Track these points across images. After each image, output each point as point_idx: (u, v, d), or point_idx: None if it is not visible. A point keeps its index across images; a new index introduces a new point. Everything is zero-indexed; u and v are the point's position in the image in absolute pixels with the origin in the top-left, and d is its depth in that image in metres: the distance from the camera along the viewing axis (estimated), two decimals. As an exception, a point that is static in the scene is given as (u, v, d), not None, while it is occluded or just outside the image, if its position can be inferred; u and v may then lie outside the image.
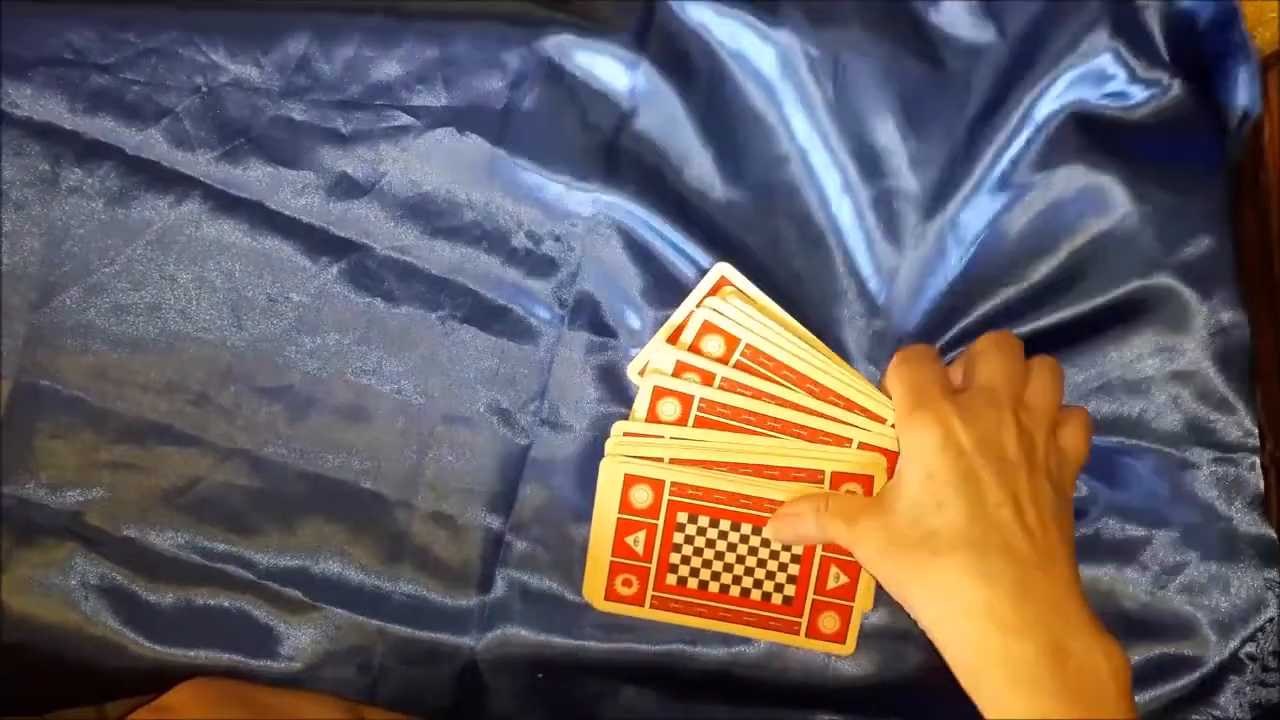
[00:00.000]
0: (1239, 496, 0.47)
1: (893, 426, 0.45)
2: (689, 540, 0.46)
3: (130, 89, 0.47)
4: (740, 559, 0.46)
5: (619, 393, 0.48)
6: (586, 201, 0.48)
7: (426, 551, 0.48)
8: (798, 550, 0.46)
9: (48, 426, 0.47)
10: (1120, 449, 0.48)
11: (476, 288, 0.48)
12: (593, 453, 0.48)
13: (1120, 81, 0.47)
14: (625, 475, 0.46)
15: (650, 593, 0.47)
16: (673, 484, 0.45)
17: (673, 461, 0.45)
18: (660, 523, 0.46)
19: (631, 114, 0.48)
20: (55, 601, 0.47)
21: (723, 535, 0.46)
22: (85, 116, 0.47)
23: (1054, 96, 0.47)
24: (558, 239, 0.48)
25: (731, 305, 0.46)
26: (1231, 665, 0.47)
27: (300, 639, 0.47)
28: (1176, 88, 0.47)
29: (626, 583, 0.47)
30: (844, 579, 0.46)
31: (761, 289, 0.47)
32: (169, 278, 0.48)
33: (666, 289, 0.48)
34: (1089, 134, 0.47)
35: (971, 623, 0.37)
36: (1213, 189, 0.47)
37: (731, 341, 0.46)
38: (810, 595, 0.46)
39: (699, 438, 0.46)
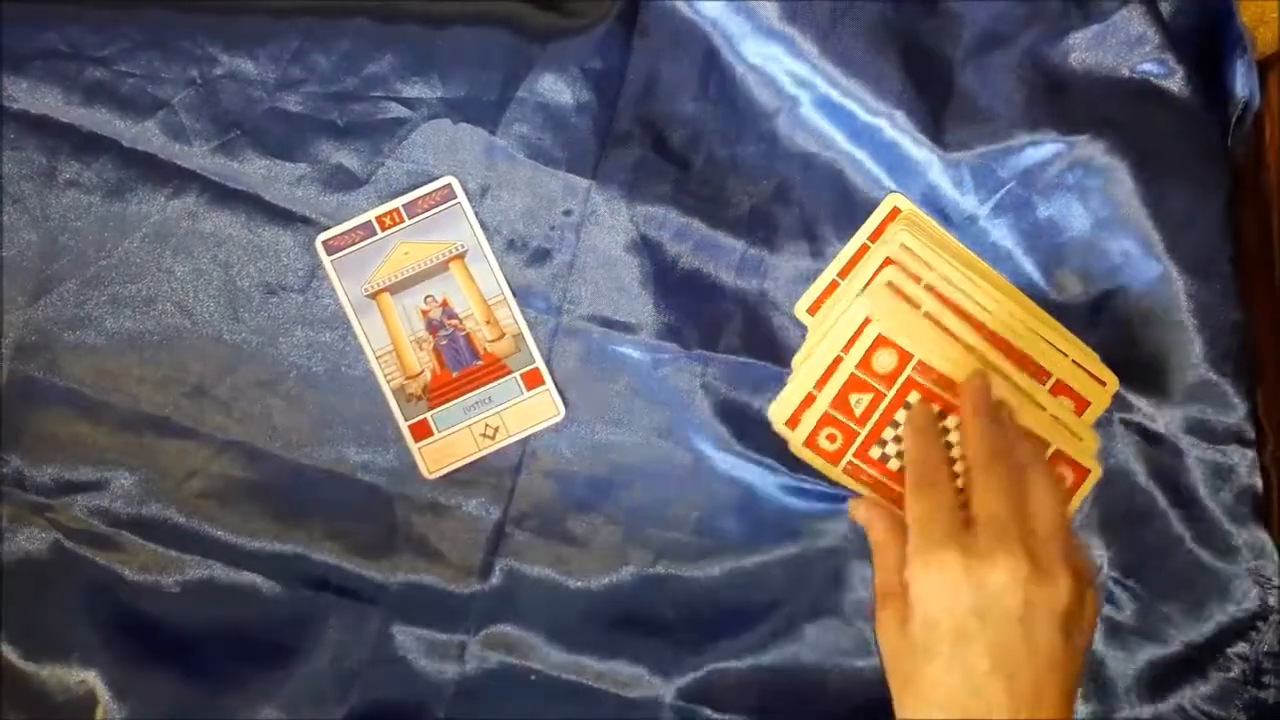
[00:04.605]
0: (1226, 487, 0.47)
1: (1076, 362, 0.45)
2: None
3: (126, 81, 0.47)
4: (951, 460, 0.44)
5: (616, 382, 0.48)
6: (581, 191, 0.48)
7: (424, 542, 0.48)
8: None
9: (43, 419, 0.47)
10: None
11: (472, 279, 0.48)
12: (592, 445, 0.48)
13: (1141, 46, 0.47)
14: (878, 335, 0.43)
15: (849, 456, 0.45)
16: (919, 362, 0.44)
17: (929, 318, 0.44)
18: (891, 394, 0.44)
19: (625, 99, 0.48)
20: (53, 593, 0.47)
21: (944, 431, 0.44)
22: (82, 109, 0.47)
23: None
24: (553, 229, 0.48)
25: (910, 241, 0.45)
26: (1212, 658, 0.47)
27: (298, 630, 0.47)
28: (1181, 73, 0.47)
29: (831, 438, 0.45)
30: None
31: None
32: (166, 270, 0.48)
33: (663, 277, 0.48)
34: (1094, 100, 0.47)
35: None
36: (1214, 179, 0.47)
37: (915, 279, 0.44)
38: None
39: (961, 287, 0.45)
